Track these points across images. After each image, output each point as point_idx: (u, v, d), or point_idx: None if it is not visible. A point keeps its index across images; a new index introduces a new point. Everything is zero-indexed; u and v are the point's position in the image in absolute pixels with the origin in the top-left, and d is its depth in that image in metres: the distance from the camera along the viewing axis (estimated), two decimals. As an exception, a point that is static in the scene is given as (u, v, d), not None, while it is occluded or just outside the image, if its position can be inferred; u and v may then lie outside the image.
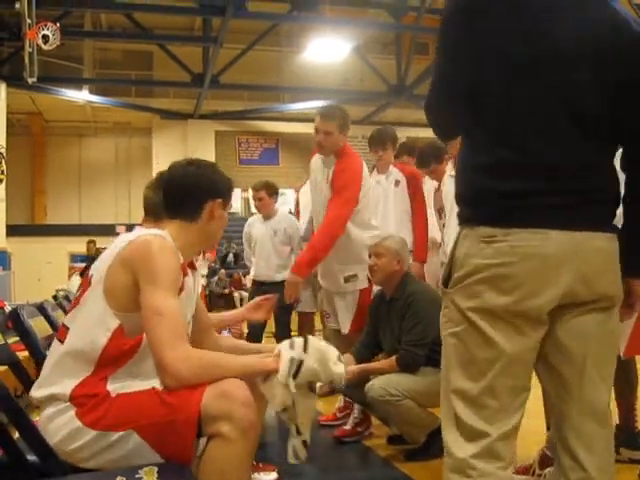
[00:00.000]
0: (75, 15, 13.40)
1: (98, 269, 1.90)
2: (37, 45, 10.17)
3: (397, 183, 4.31)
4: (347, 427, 3.70)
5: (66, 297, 4.47)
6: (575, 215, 1.51)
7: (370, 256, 3.52)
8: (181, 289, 1.92)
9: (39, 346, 2.36)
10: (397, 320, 3.40)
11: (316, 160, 3.87)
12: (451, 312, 1.60)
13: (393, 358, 3.28)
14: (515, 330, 1.52)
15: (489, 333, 1.52)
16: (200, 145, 15.78)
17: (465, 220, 1.60)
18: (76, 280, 10.73)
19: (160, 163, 15.74)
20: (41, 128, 16.86)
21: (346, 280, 3.83)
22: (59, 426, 1.75)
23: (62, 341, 1.87)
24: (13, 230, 14.28)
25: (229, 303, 13.91)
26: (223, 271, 14.65)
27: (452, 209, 3.89)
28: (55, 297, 5.26)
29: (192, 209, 2.04)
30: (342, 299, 3.89)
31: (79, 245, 14.07)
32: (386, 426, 3.65)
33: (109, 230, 15.55)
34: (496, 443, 1.52)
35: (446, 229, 3.98)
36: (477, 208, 1.57)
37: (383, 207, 4.31)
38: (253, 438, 1.74)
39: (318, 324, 5.55)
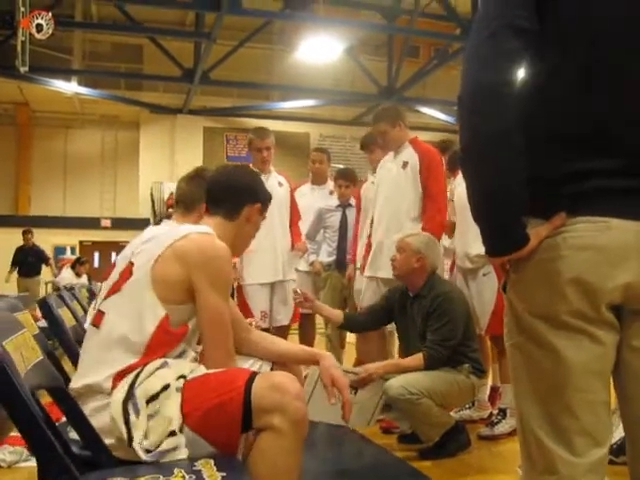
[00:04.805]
0: (66, 5, 13.22)
1: (143, 258, 1.91)
2: (29, 34, 10.08)
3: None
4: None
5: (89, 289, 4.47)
6: None
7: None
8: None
9: (69, 336, 2.34)
10: (421, 318, 3.39)
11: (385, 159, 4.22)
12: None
13: (420, 355, 3.28)
14: (582, 337, 1.30)
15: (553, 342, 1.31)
16: (188, 140, 15.66)
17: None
18: (67, 273, 10.57)
19: (147, 157, 15.64)
20: (28, 118, 16.62)
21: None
22: (104, 420, 1.73)
23: (98, 326, 1.88)
24: (-4, 220, 14.12)
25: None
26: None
27: (464, 212, 3.91)
28: (58, 289, 5.23)
29: (233, 207, 2.16)
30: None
31: (63, 237, 13.93)
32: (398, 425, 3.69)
33: (94, 223, 15.41)
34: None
35: (457, 231, 4.00)
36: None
37: None
38: (304, 431, 1.75)
39: (320, 325, 5.58)
